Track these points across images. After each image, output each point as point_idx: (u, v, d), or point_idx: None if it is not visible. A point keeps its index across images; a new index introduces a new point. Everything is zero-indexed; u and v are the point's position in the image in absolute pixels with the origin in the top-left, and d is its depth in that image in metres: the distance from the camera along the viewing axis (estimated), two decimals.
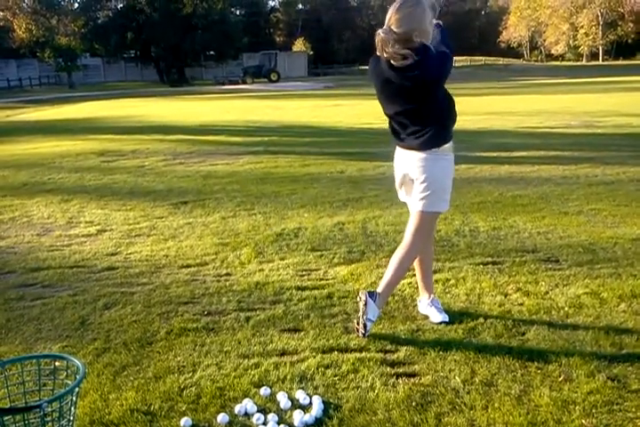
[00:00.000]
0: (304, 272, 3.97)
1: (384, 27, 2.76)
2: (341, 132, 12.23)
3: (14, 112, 22.75)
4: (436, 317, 3.14)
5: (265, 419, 2.31)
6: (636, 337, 2.90)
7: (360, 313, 2.93)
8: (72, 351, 2.87)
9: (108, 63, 52.96)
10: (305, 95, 27.83)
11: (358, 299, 2.99)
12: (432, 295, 3.25)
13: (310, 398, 2.43)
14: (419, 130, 2.89)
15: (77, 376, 2.10)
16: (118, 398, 2.48)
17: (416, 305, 3.32)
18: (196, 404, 2.44)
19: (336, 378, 2.60)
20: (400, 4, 2.75)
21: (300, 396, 2.44)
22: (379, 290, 2.99)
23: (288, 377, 2.61)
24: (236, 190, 6.64)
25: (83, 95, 33.73)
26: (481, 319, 3.13)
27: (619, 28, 65.63)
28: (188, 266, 4.17)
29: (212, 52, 51.94)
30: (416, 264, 3.22)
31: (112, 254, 4.47)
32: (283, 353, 2.85)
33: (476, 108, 15.57)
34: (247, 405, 2.38)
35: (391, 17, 2.75)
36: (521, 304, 3.34)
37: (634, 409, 2.32)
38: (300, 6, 78.83)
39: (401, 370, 2.67)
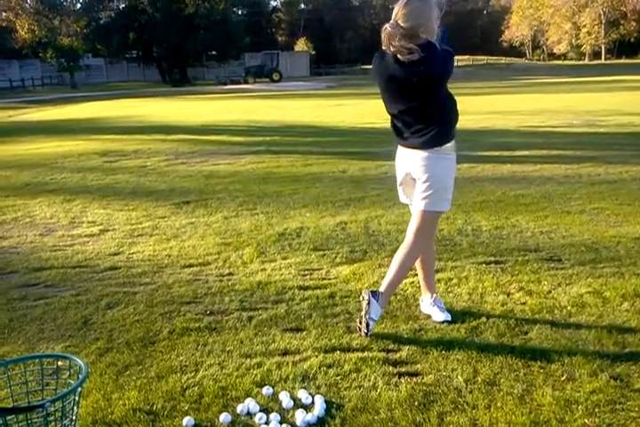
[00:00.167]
0: (306, 272, 3.97)
1: (391, 21, 2.78)
2: (343, 132, 12.23)
3: (17, 112, 22.79)
4: (439, 316, 3.14)
5: (267, 418, 2.31)
6: (638, 336, 2.90)
7: (363, 312, 2.93)
8: (75, 351, 2.87)
9: (111, 63, 53.03)
10: (307, 95, 27.84)
11: (361, 298, 2.99)
12: (434, 295, 3.25)
13: (312, 397, 2.43)
14: (422, 128, 2.90)
15: (80, 376, 2.10)
16: (121, 398, 2.49)
17: (418, 304, 3.32)
18: (199, 403, 2.44)
19: (338, 377, 2.60)
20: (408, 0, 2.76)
21: (303, 395, 2.44)
22: (381, 289, 2.99)
23: (290, 377, 2.61)
24: (239, 190, 6.65)
25: (85, 95, 33.77)
26: (483, 319, 3.13)
27: (621, 26, 65.49)
28: (191, 266, 4.17)
29: (214, 52, 51.95)
30: (418, 264, 3.21)
31: (114, 254, 4.48)
32: (285, 353, 2.85)
33: (479, 108, 15.55)
34: (249, 404, 2.38)
35: (398, 11, 2.78)
36: (523, 303, 3.34)
37: (637, 408, 2.32)
38: (302, 6, 78.80)
39: (403, 369, 2.67)
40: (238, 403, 2.41)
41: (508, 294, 3.48)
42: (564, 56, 71.82)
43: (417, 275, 3.40)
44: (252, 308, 3.40)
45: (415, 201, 3.04)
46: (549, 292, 3.50)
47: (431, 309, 3.20)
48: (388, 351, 2.83)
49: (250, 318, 3.24)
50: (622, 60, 62.63)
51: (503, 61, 65.62)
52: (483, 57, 66.13)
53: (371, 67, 3.07)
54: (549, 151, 8.67)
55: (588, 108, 15.39)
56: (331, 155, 8.95)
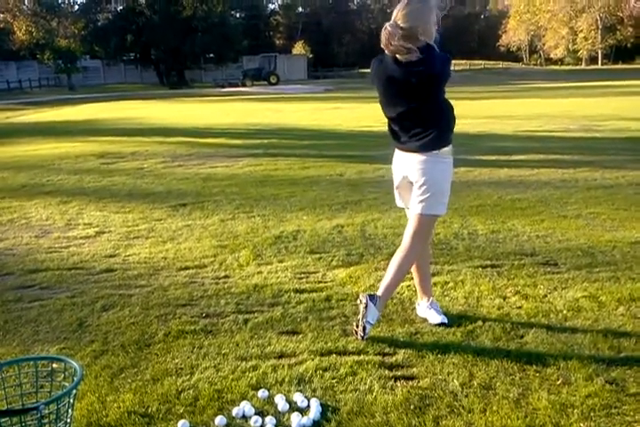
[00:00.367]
0: (302, 275, 3.97)
1: (390, 21, 2.80)
2: (341, 135, 12.23)
3: (14, 114, 22.76)
4: (436, 318, 3.13)
5: (263, 422, 2.30)
6: (634, 340, 2.90)
7: (360, 316, 2.92)
8: (70, 353, 2.86)
9: (108, 65, 53.02)
10: (304, 98, 27.87)
11: (359, 302, 2.98)
12: (431, 298, 3.25)
13: (308, 400, 2.43)
14: (420, 132, 2.91)
15: (75, 378, 2.09)
16: (116, 401, 2.48)
17: (414, 308, 3.32)
18: (194, 406, 2.43)
19: (334, 381, 2.60)
20: (408, 0, 2.80)
21: (298, 398, 2.44)
22: (378, 293, 2.99)
23: (286, 380, 2.61)
24: (236, 193, 6.64)
25: (82, 97, 33.75)
26: (479, 322, 3.13)
27: (618, 32, 65.77)
28: (187, 268, 4.17)
29: (211, 55, 51.98)
30: (414, 268, 3.21)
31: (110, 256, 4.47)
32: (281, 356, 2.84)
33: (476, 112, 15.59)
34: (245, 407, 2.37)
35: (398, 12, 2.80)
36: (519, 307, 3.34)
37: (632, 413, 2.32)
38: (300, 9, 78.94)
39: (399, 373, 2.67)
40: (234, 406, 2.41)
41: (504, 298, 3.48)
42: (560, 61, 72.07)
43: (413, 278, 3.40)
44: (248, 311, 3.39)
45: (412, 205, 3.04)
46: (545, 296, 3.50)
47: (427, 311, 3.20)
48: (384, 355, 2.83)
49: (246, 321, 3.23)
50: (619, 66, 62.92)
51: (500, 66, 65.79)
52: (480, 61, 66.33)
53: (369, 70, 3.08)
54: (546, 156, 8.69)
55: (584, 113, 15.44)
56: (328, 158, 8.95)
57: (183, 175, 7.86)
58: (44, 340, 3.08)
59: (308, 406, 2.40)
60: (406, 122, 2.95)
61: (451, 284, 3.71)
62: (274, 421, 2.30)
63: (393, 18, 2.82)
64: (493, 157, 8.64)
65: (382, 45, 2.83)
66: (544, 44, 71.33)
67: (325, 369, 2.69)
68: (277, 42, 74.16)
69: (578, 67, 66.66)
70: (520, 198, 6.03)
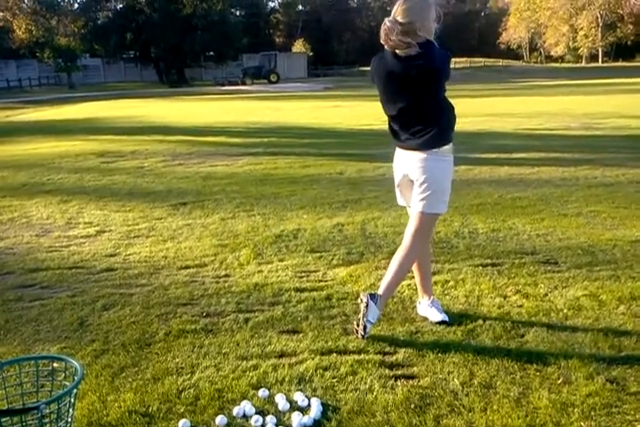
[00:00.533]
0: (303, 274, 3.97)
1: (390, 17, 2.81)
2: (341, 134, 12.23)
3: (14, 112, 22.75)
4: (437, 316, 3.13)
5: (263, 421, 2.30)
6: (634, 339, 2.90)
7: (360, 315, 2.92)
8: (70, 353, 2.87)
9: (108, 64, 52.95)
10: (304, 96, 27.85)
11: (359, 301, 2.98)
12: (432, 297, 3.25)
13: (309, 399, 2.43)
14: (421, 129, 2.90)
15: (75, 378, 2.09)
16: (116, 400, 2.48)
17: (415, 307, 3.32)
18: (195, 406, 2.43)
19: (335, 380, 2.60)
20: None
21: (299, 398, 2.44)
22: (379, 292, 2.99)
23: (286, 379, 2.61)
24: (236, 191, 6.64)
25: (82, 96, 33.72)
26: (480, 321, 3.13)
27: (618, 29, 65.74)
28: (187, 267, 4.17)
29: (211, 53, 51.94)
30: (414, 266, 3.21)
31: (111, 255, 4.47)
32: (281, 355, 2.85)
33: (476, 110, 15.58)
34: (245, 407, 2.37)
35: (398, 8, 2.81)
36: (520, 306, 3.34)
37: (632, 412, 2.32)
38: (300, 7, 78.88)
39: (399, 372, 2.67)
40: (234, 405, 2.41)
41: (505, 297, 3.48)
42: (561, 58, 72.03)
43: (413, 277, 3.40)
44: (249, 310, 3.39)
45: (413, 203, 3.04)
46: (546, 295, 3.50)
47: (428, 310, 3.20)
48: (385, 354, 2.83)
49: (246, 320, 3.23)
50: (619, 63, 62.89)
51: (500, 64, 65.78)
52: (480, 59, 66.28)
53: (369, 69, 3.08)
54: (547, 154, 8.68)
55: (585, 111, 15.43)
56: (328, 156, 8.95)
57: (183, 174, 7.86)
58: (44, 339, 3.08)
59: (309, 405, 2.40)
60: (407, 119, 2.95)
61: (451, 282, 3.71)
62: (274, 420, 2.31)
63: (392, 14, 2.83)
64: (494, 156, 8.64)
65: (381, 41, 2.84)
66: (544, 42, 71.32)
67: (326, 368, 2.69)
68: (277, 40, 74.11)
69: (578, 64, 66.61)
70: (520, 197, 6.02)
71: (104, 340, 3.05)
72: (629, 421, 2.27)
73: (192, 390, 2.54)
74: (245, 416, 2.34)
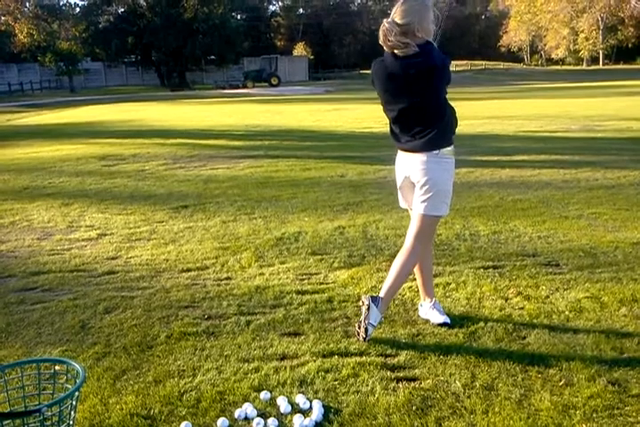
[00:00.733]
0: (304, 276, 3.97)
1: (388, 19, 2.83)
2: (342, 137, 12.24)
3: (15, 116, 22.80)
4: (438, 318, 3.13)
5: (265, 423, 2.30)
6: (636, 341, 2.90)
7: (362, 317, 2.92)
8: (72, 355, 2.87)
9: (109, 67, 53.12)
10: (305, 99, 27.88)
11: (361, 303, 2.98)
12: (433, 299, 3.25)
13: (310, 402, 2.43)
14: (421, 130, 2.91)
15: (77, 380, 2.09)
16: (118, 403, 2.48)
17: (416, 309, 3.32)
18: (196, 408, 2.43)
19: (336, 382, 2.60)
20: None
21: (300, 400, 2.44)
22: (381, 295, 2.99)
23: (288, 381, 2.61)
24: (237, 194, 6.65)
25: (84, 99, 33.80)
26: (481, 323, 3.13)
27: (619, 32, 65.80)
28: (189, 270, 4.17)
29: (212, 57, 52.08)
30: (416, 269, 3.21)
31: (112, 258, 4.47)
32: (283, 357, 2.85)
33: (477, 113, 15.59)
34: (247, 409, 2.37)
35: (396, 9, 2.83)
36: (521, 308, 3.34)
37: (634, 414, 2.32)
38: (301, 11, 78.94)
39: (401, 374, 2.67)
40: (236, 408, 2.41)
41: (506, 299, 3.48)
42: (561, 61, 72.07)
43: (415, 279, 3.40)
44: (250, 312, 3.39)
45: (414, 205, 3.05)
46: (547, 297, 3.50)
47: (430, 312, 3.20)
48: (386, 356, 2.83)
49: (248, 323, 3.23)
50: (620, 66, 62.91)
51: (501, 66, 65.85)
52: (481, 62, 66.37)
53: (369, 71, 3.09)
54: (548, 156, 8.68)
55: (586, 114, 15.43)
56: (329, 159, 8.95)
57: (184, 177, 7.87)
58: (46, 342, 3.08)
59: (311, 407, 2.40)
60: (407, 120, 2.95)
61: (452, 285, 3.71)
62: (276, 422, 2.30)
63: (391, 15, 2.85)
64: (495, 158, 8.64)
65: (380, 42, 2.85)
66: (545, 45, 71.32)
67: (327, 371, 2.69)
68: (278, 43, 74.19)
69: (579, 67, 66.65)
70: (522, 199, 6.02)
71: (105, 343, 3.05)
72: (631, 423, 2.27)
73: (194, 393, 2.54)
74: (247, 419, 2.34)
